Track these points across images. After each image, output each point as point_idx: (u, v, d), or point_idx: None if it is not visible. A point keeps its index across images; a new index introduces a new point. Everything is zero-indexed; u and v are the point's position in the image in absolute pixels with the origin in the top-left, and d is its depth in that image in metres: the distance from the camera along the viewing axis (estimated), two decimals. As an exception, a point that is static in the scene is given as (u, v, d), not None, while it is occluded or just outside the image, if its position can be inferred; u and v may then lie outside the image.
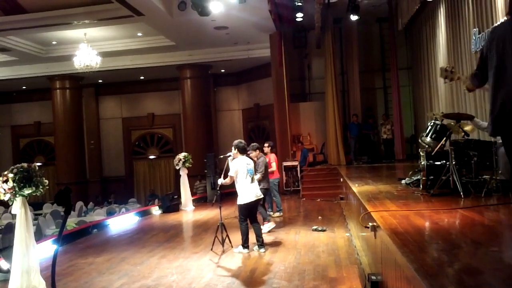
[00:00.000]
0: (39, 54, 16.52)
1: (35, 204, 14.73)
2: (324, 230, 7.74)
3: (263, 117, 18.66)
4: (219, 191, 7.45)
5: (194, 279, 5.39)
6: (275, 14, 12.61)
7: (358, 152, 14.29)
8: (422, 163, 5.89)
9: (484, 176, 5.46)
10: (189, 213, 11.42)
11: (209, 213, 10.78)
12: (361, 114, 14.70)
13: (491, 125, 3.35)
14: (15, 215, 5.21)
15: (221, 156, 7.47)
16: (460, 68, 9.13)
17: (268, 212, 8.94)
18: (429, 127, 6.01)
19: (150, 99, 21.13)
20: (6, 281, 5.31)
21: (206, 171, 13.38)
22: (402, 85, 14.28)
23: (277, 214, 9.59)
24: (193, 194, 13.56)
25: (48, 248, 7.16)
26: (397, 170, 10.84)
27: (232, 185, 6.76)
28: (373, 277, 4.20)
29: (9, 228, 8.96)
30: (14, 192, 4.91)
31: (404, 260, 2.80)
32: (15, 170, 4.90)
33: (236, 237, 6.95)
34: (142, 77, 19.97)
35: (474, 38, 8.17)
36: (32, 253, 5.05)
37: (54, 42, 15.97)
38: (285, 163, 13.58)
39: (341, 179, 10.60)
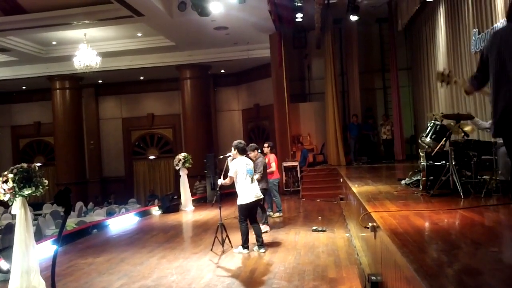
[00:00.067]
0: (39, 54, 16.52)
1: (35, 205, 14.73)
2: (324, 231, 7.74)
3: (263, 117, 18.66)
4: (219, 192, 7.45)
5: (194, 280, 5.39)
6: (275, 15, 12.61)
7: (358, 152, 14.29)
8: (422, 163, 5.90)
9: (484, 177, 5.46)
10: (189, 213, 11.42)
11: (209, 214, 10.78)
12: (361, 115, 14.71)
13: (493, 126, 3.37)
14: (15, 215, 5.21)
15: (221, 157, 7.47)
16: (460, 69, 9.13)
17: (268, 213, 8.94)
18: (429, 128, 6.01)
19: (150, 99, 21.13)
20: (6, 281, 5.31)
21: (206, 171, 13.38)
22: (402, 85, 14.29)
23: (277, 214, 9.59)
24: (193, 194, 13.56)
25: (48, 248, 7.16)
26: (397, 171, 10.84)
27: (232, 185, 6.76)
28: (373, 278, 4.20)
29: (9, 229, 8.96)
30: (14, 192, 4.91)
31: (404, 260, 2.80)
32: (15, 171, 4.90)
33: (236, 237, 6.95)
34: (142, 78, 19.97)
35: (473, 38, 8.18)
36: (32, 253, 5.05)
37: (54, 42, 15.98)
38: (285, 164, 13.59)
39: (341, 180, 10.60)
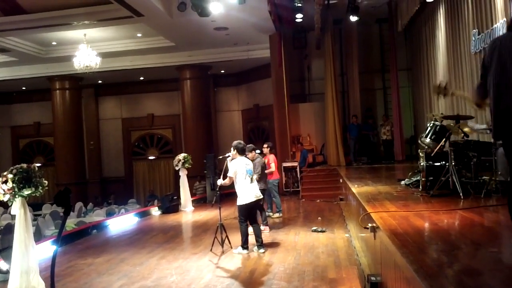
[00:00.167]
0: (39, 55, 16.52)
1: (34, 205, 14.73)
2: (323, 231, 7.73)
3: (263, 117, 18.66)
4: (218, 192, 7.45)
5: (194, 280, 5.38)
6: (274, 15, 12.61)
7: (358, 153, 14.29)
8: (422, 164, 5.90)
9: (484, 177, 5.47)
10: (188, 214, 11.41)
11: (209, 214, 10.77)
12: (360, 115, 14.70)
13: (493, 129, 3.40)
14: (14, 215, 5.20)
15: (220, 157, 7.47)
16: (460, 69, 9.13)
17: (267, 213, 8.93)
18: (429, 128, 6.02)
19: (150, 99, 21.13)
20: (5, 281, 5.30)
21: (205, 171, 13.37)
22: (402, 86, 14.29)
23: (276, 215, 9.58)
24: (192, 194, 13.55)
25: (48, 248, 7.15)
26: (396, 171, 10.84)
27: (232, 185, 6.75)
28: (373, 278, 4.20)
29: (9, 229, 8.95)
30: (13, 192, 4.90)
31: (403, 261, 2.80)
32: (14, 171, 4.90)
33: (235, 238, 6.95)
34: (141, 78, 19.97)
35: (473, 39, 8.17)
36: (31, 253, 5.04)
37: (53, 43, 15.97)
38: (284, 164, 13.58)
39: (341, 180, 10.60)
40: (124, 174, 21.22)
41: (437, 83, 4.54)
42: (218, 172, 11.86)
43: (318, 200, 11.85)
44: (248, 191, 6.52)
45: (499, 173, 5.21)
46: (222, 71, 19.34)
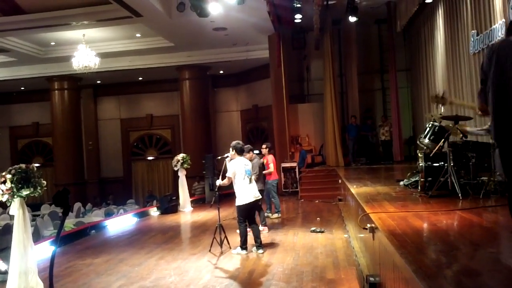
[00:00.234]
0: (38, 55, 16.50)
1: (33, 205, 14.71)
2: (322, 232, 7.73)
3: (262, 118, 18.67)
4: (217, 192, 7.44)
5: (192, 281, 5.38)
6: (273, 15, 12.61)
7: (357, 153, 14.29)
8: (421, 164, 5.90)
9: (482, 178, 5.48)
10: (187, 214, 11.40)
11: (208, 214, 10.76)
12: (359, 116, 14.71)
13: (493, 131, 3.41)
14: (13, 216, 5.19)
15: (219, 157, 7.46)
16: (458, 70, 9.14)
17: (266, 214, 8.93)
18: (428, 129, 6.02)
19: (149, 100, 21.11)
20: (4, 282, 5.30)
21: (204, 172, 13.37)
22: (401, 86, 14.30)
23: (275, 215, 9.57)
24: (191, 195, 13.54)
25: (46, 249, 7.14)
26: (395, 172, 10.84)
27: (231, 186, 6.75)
28: (371, 279, 4.20)
29: (7, 229, 8.95)
30: (12, 193, 4.89)
31: (402, 261, 2.80)
32: (13, 171, 4.89)
33: (234, 238, 6.95)
34: (140, 78, 19.96)
35: (472, 39, 8.19)
36: (30, 254, 5.03)
37: (52, 43, 15.96)
38: (283, 164, 13.58)
39: (340, 181, 10.60)
40: (122, 175, 21.20)
41: (434, 94, 4.55)
42: (217, 172, 11.84)
43: (317, 201, 11.85)
44: (247, 192, 6.52)
45: (498, 173, 5.21)
46: (221, 72, 19.33)
